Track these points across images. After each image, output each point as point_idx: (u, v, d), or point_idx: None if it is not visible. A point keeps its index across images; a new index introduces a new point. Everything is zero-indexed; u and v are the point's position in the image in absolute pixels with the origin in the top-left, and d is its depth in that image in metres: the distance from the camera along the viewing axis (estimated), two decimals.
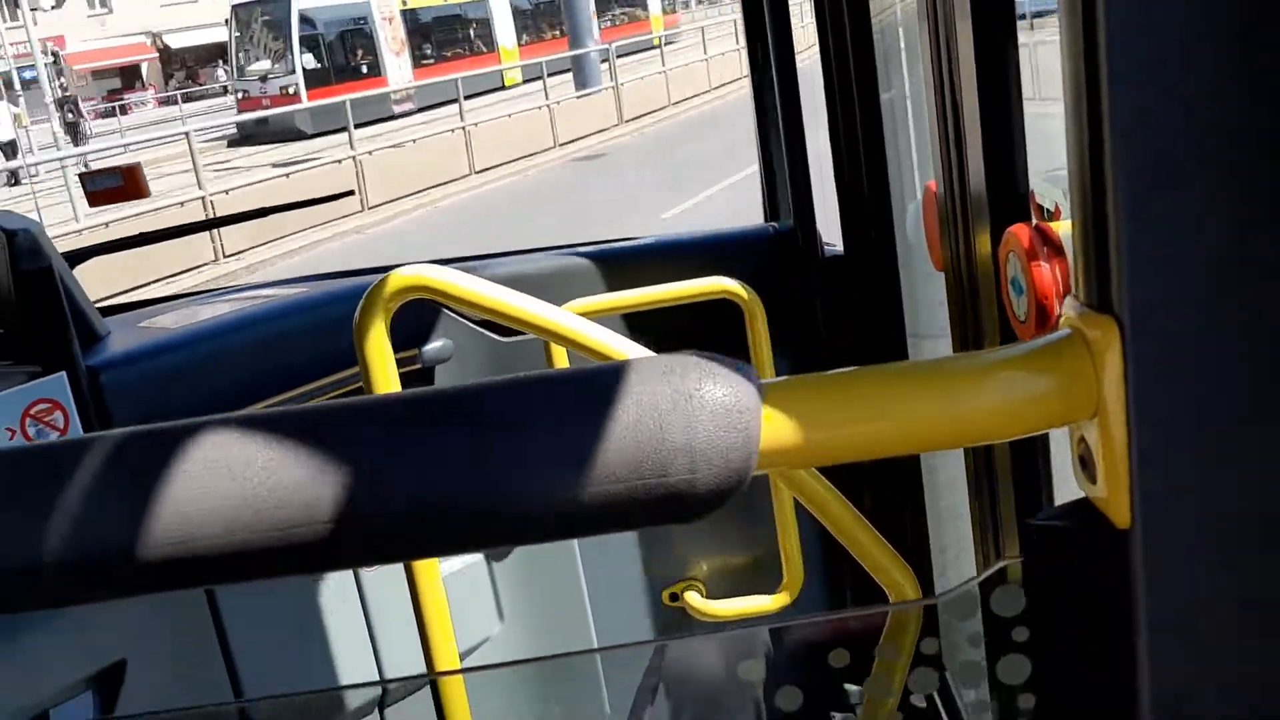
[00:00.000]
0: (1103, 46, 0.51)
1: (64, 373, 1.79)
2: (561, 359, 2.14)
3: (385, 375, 1.60)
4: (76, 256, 2.10)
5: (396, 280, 1.58)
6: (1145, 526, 0.55)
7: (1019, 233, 1.36)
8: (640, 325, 2.12)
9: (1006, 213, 1.42)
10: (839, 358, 2.23)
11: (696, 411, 0.51)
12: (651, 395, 0.51)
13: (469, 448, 0.50)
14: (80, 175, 2.25)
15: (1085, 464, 0.58)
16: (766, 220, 2.48)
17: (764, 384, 0.53)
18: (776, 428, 0.53)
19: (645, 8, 39.68)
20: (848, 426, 0.55)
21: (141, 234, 2.23)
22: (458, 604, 1.79)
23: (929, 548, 2.14)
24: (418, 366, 2.17)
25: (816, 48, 2.08)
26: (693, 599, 2.39)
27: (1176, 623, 0.56)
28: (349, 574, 2.16)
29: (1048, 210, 1.47)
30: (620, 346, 1.69)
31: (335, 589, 2.14)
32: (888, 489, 2.14)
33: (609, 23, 37.29)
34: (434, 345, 2.20)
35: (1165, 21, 0.50)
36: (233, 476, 0.49)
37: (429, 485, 0.50)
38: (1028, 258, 1.34)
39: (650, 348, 1.81)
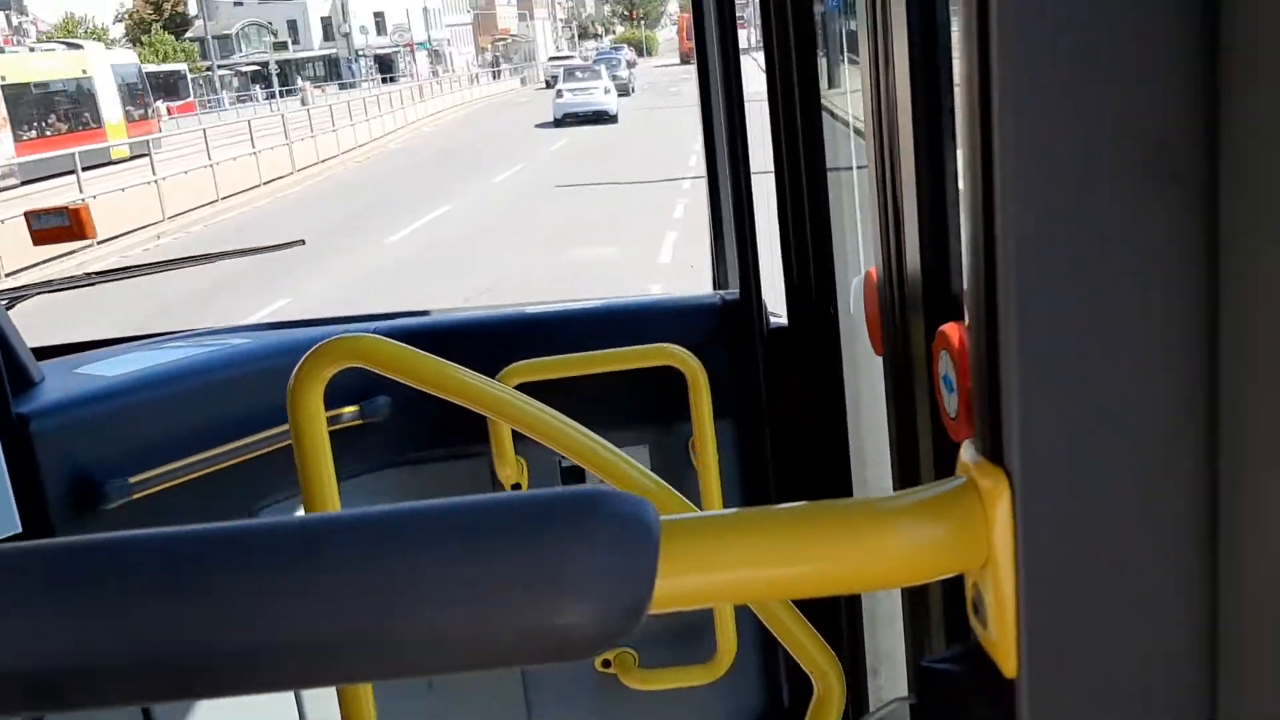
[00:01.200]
0: (999, 194, 0.53)
1: None
2: (504, 426, 2.18)
3: (316, 442, 1.62)
4: (16, 297, 2.09)
5: (332, 348, 1.60)
6: (1031, 677, 0.57)
7: (950, 332, 1.39)
8: (584, 388, 2.16)
9: (940, 309, 1.46)
10: (781, 428, 2.26)
11: (591, 553, 0.51)
12: (545, 534, 0.51)
13: (353, 578, 0.50)
14: (26, 213, 2.21)
15: (977, 609, 0.60)
16: (715, 289, 2.55)
17: (663, 521, 0.54)
18: (672, 569, 0.54)
19: (97, 113, 31.53)
20: (743, 570, 0.57)
21: (87, 274, 2.23)
22: None
23: (863, 646, 2.17)
24: (357, 423, 2.22)
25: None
26: (626, 666, 2.41)
27: None
28: None
29: None
30: (557, 424, 1.69)
31: None
32: (825, 607, 2.15)
33: (33, 133, 29.44)
34: (374, 401, 2.25)
35: (1055, 181, 0.53)
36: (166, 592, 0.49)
37: (303, 614, 0.49)
38: (957, 357, 1.38)
39: (593, 413, 1.82)
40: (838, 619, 2.14)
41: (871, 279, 1.74)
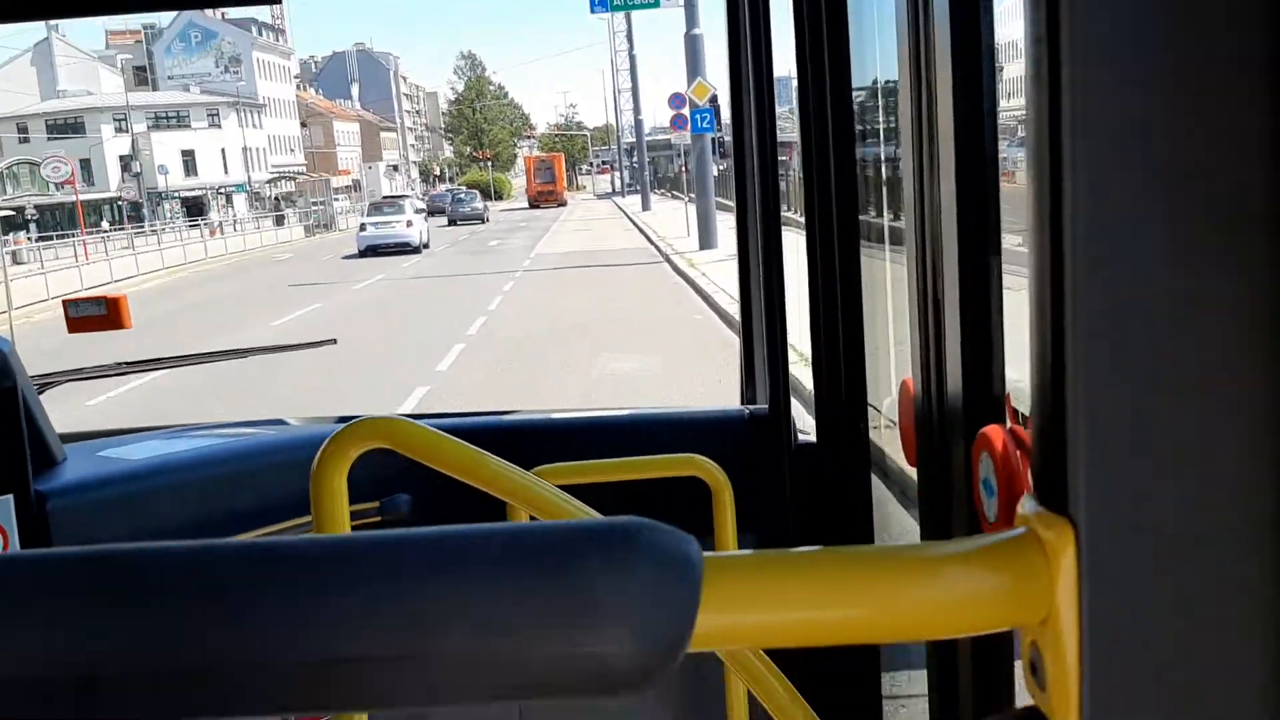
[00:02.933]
0: (1068, 245, 0.56)
1: (11, 496, 1.90)
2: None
3: (338, 525, 1.66)
4: (48, 381, 2.15)
5: (361, 428, 1.66)
6: None
7: (992, 434, 1.48)
8: (608, 497, 2.22)
9: (981, 413, 1.55)
10: (805, 546, 2.43)
11: (632, 582, 0.52)
12: (586, 560, 0.53)
13: (387, 596, 0.52)
14: (64, 301, 2.30)
15: (1035, 670, 0.60)
16: (743, 402, 2.71)
17: (706, 557, 0.56)
18: (715, 606, 0.55)
19: None
20: (787, 611, 0.58)
21: (119, 363, 2.29)
22: None
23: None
24: (376, 519, 2.32)
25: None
26: None
27: None
28: None
29: (1023, 414, 1.59)
30: (584, 516, 1.70)
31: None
32: (845, 675, 2.29)
33: None
34: (395, 498, 2.35)
35: (1127, 231, 0.55)
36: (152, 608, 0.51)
37: (343, 635, 0.51)
38: (1000, 460, 1.46)
39: None
40: (855, 717, 2.27)
41: (908, 388, 1.88)
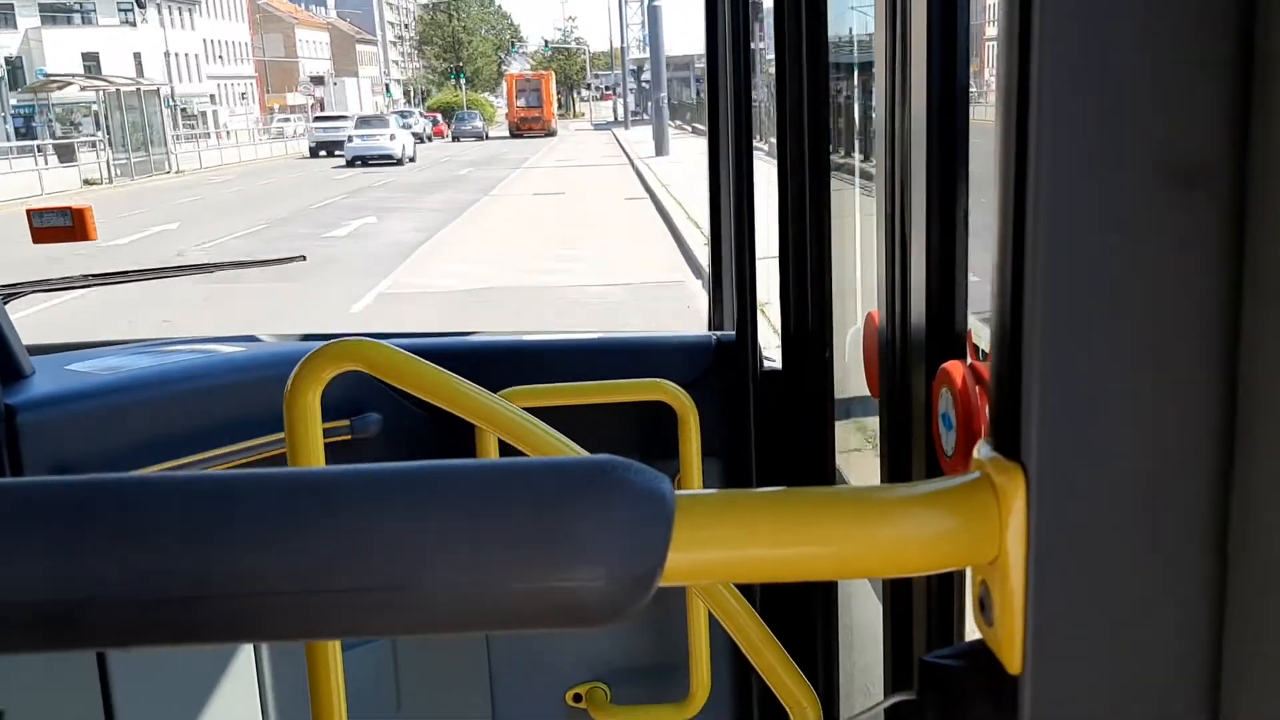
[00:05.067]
0: (1031, 197, 0.60)
1: None
2: (493, 444, 2.41)
3: (310, 446, 1.78)
4: (13, 292, 2.27)
5: (334, 350, 1.78)
6: (1035, 673, 0.63)
7: (953, 369, 1.58)
8: (575, 419, 2.35)
9: (943, 348, 1.63)
10: (768, 469, 2.56)
11: (608, 519, 0.57)
12: (562, 496, 0.57)
13: (368, 530, 0.56)
14: (28, 211, 2.39)
15: (984, 606, 0.67)
16: (710, 329, 2.88)
17: (678, 496, 0.60)
18: (685, 543, 0.60)
19: None
20: (753, 548, 0.64)
21: (85, 275, 2.41)
22: (356, 685, 2.03)
23: (837, 672, 2.46)
24: (347, 438, 2.46)
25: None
26: (597, 702, 2.70)
27: None
28: (246, 645, 2.39)
29: (983, 351, 1.68)
30: (550, 440, 1.84)
31: (230, 659, 2.38)
32: (803, 607, 2.47)
33: None
34: (365, 418, 2.49)
35: (1088, 184, 0.60)
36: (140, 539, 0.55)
37: (326, 567, 0.55)
38: (959, 395, 1.56)
39: (583, 442, 1.97)
40: (813, 645, 2.44)
41: (873, 320, 1.98)
